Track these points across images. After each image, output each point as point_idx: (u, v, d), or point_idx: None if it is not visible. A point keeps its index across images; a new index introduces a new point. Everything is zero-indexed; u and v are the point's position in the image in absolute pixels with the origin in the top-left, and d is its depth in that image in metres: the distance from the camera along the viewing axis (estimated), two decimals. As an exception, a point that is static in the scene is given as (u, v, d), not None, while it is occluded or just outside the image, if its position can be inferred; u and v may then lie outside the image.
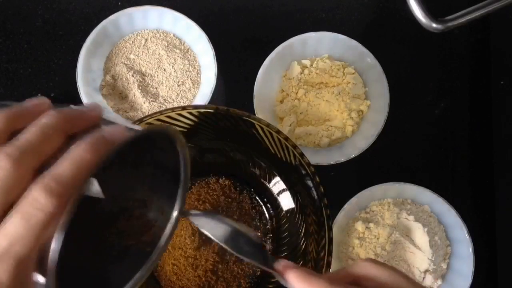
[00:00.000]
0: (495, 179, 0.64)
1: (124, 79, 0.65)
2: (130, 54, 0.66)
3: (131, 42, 0.67)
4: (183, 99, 0.65)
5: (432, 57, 0.69)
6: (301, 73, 0.64)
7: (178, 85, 0.65)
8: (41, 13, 0.71)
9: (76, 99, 0.63)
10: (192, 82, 0.65)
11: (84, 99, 0.63)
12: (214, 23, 0.68)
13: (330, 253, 0.49)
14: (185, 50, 0.67)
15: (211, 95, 0.62)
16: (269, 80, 0.64)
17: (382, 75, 0.63)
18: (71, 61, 0.66)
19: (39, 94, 0.68)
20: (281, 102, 0.65)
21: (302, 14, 0.70)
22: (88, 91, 0.64)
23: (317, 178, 0.50)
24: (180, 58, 0.66)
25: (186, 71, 0.65)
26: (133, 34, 0.67)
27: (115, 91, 0.66)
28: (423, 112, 0.67)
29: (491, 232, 0.63)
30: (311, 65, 0.65)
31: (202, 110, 0.51)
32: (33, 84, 0.68)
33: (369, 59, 0.64)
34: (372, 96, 0.64)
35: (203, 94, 0.64)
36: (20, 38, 0.70)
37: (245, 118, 0.50)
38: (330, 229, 0.50)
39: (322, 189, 0.50)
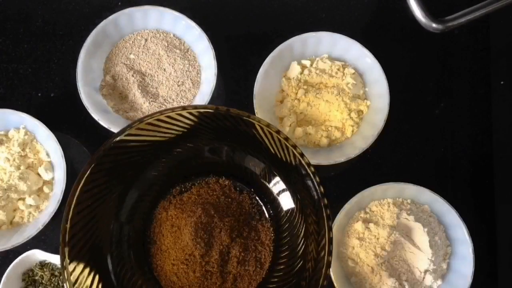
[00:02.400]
0: (495, 179, 0.65)
1: (124, 79, 0.65)
2: (130, 54, 0.67)
3: (131, 42, 0.67)
4: (183, 99, 0.65)
5: (432, 57, 0.69)
6: (301, 73, 0.64)
7: (178, 85, 0.65)
8: (41, 13, 0.71)
9: (76, 99, 0.63)
10: (192, 82, 0.65)
11: (84, 99, 0.63)
12: (214, 23, 0.69)
13: (330, 253, 0.49)
14: (185, 50, 0.67)
15: (211, 95, 0.62)
16: (269, 80, 0.64)
17: (382, 75, 0.63)
18: (71, 61, 0.66)
19: (39, 94, 0.68)
20: (281, 102, 0.65)
21: (302, 14, 0.70)
22: (88, 91, 0.64)
23: (317, 178, 0.50)
24: (180, 58, 0.66)
25: (186, 71, 0.65)
26: (133, 34, 0.67)
27: (115, 91, 0.66)
28: (423, 112, 0.67)
29: (491, 232, 0.63)
30: (311, 65, 0.65)
31: (202, 110, 0.51)
32: (33, 84, 0.68)
33: (369, 59, 0.63)
34: (372, 96, 0.64)
35: (203, 94, 0.64)
36: (20, 38, 0.70)
37: (245, 118, 0.50)
38: (330, 229, 0.50)
39: (322, 189, 0.50)
